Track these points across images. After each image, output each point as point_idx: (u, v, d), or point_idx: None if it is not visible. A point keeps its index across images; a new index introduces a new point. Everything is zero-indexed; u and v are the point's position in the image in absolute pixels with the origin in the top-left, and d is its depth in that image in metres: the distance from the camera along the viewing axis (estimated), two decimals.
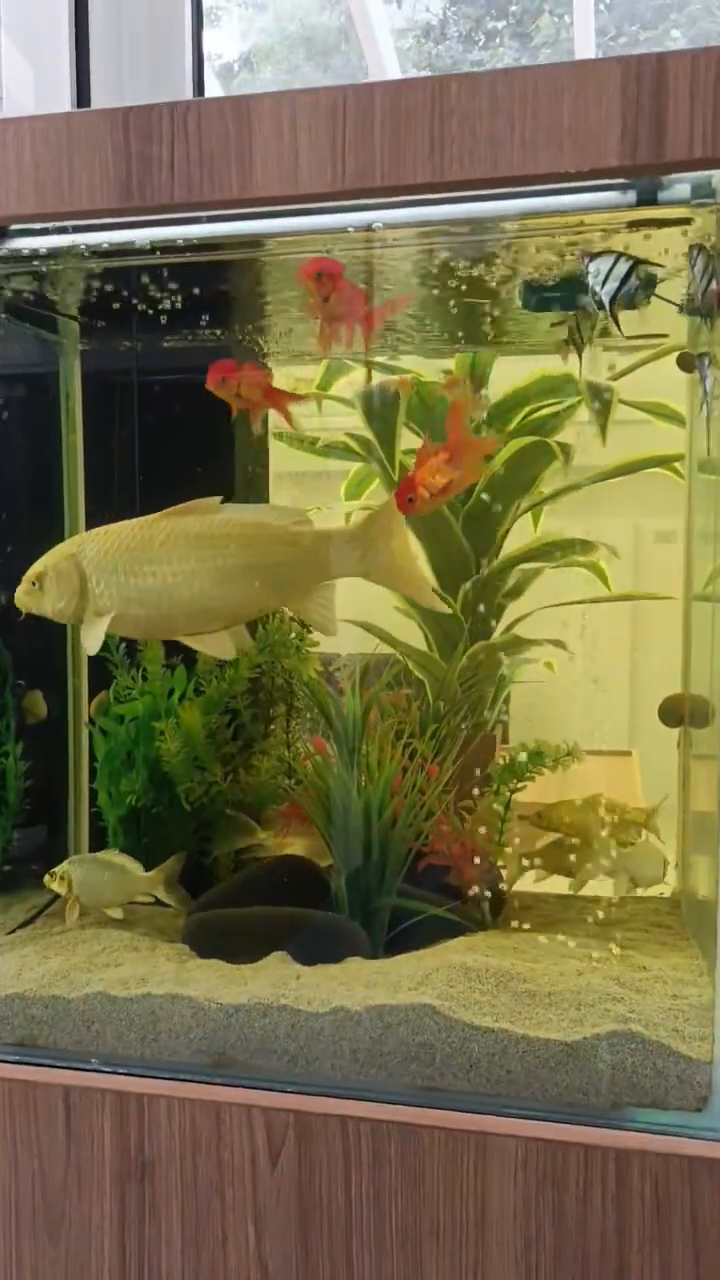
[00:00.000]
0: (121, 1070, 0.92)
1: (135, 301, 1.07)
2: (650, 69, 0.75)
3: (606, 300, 0.85)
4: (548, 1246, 0.82)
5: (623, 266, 0.84)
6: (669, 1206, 0.79)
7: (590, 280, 0.86)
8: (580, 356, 0.95)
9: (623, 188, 0.82)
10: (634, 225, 0.85)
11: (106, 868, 1.10)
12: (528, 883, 1.14)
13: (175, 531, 1.04)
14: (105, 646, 1.20)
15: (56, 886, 1.10)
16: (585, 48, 2.43)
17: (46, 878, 1.10)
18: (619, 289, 0.84)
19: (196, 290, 1.05)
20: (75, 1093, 0.90)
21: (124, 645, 1.20)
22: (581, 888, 1.11)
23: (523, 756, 1.12)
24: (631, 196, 0.82)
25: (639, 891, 1.13)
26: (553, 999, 0.90)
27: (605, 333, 1.17)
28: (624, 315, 1.09)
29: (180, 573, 1.04)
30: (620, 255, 0.85)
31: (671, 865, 1.15)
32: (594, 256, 0.86)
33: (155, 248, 0.94)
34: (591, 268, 0.86)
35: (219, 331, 1.19)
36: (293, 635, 1.20)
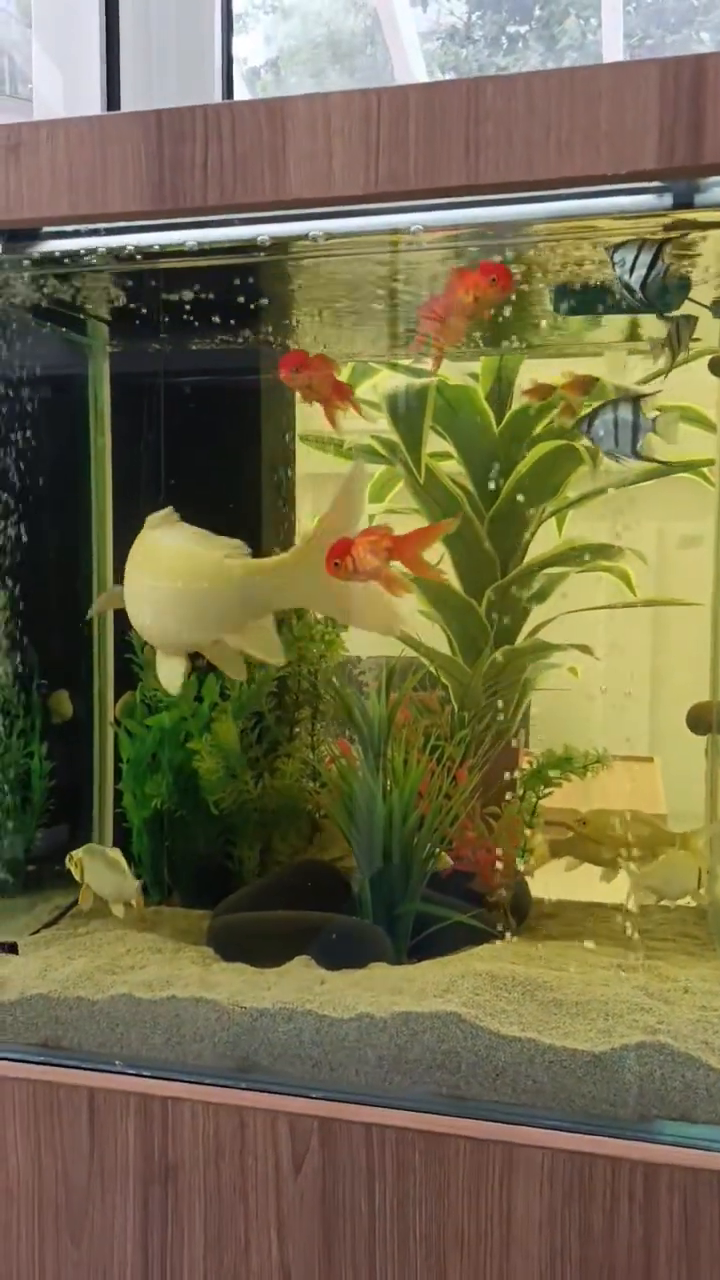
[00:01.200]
0: (146, 1073, 0.92)
1: (164, 304, 1.07)
2: (689, 71, 0.74)
3: (637, 287, 0.83)
4: (573, 1259, 0.81)
5: (648, 252, 0.83)
6: (698, 1221, 0.79)
7: (617, 270, 0.84)
8: (674, 360, 0.92)
9: (659, 191, 0.81)
10: (670, 228, 0.84)
11: (108, 864, 1.11)
12: (554, 889, 1.14)
13: (137, 546, 1.02)
14: (130, 648, 1.20)
15: (73, 869, 1.11)
16: (613, 51, 2.42)
17: (67, 859, 1.12)
18: (648, 274, 0.83)
19: (228, 293, 1.05)
20: (99, 1095, 0.90)
21: (147, 645, 1.20)
22: (613, 878, 1.11)
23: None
24: (668, 199, 0.81)
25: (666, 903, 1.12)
26: (580, 1008, 0.89)
27: (634, 335, 1.17)
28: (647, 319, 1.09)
29: (131, 592, 1.02)
30: (644, 241, 0.83)
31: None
32: (617, 247, 0.84)
33: (186, 250, 0.94)
34: (616, 258, 0.84)
35: (249, 335, 1.19)
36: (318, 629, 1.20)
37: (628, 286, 0.85)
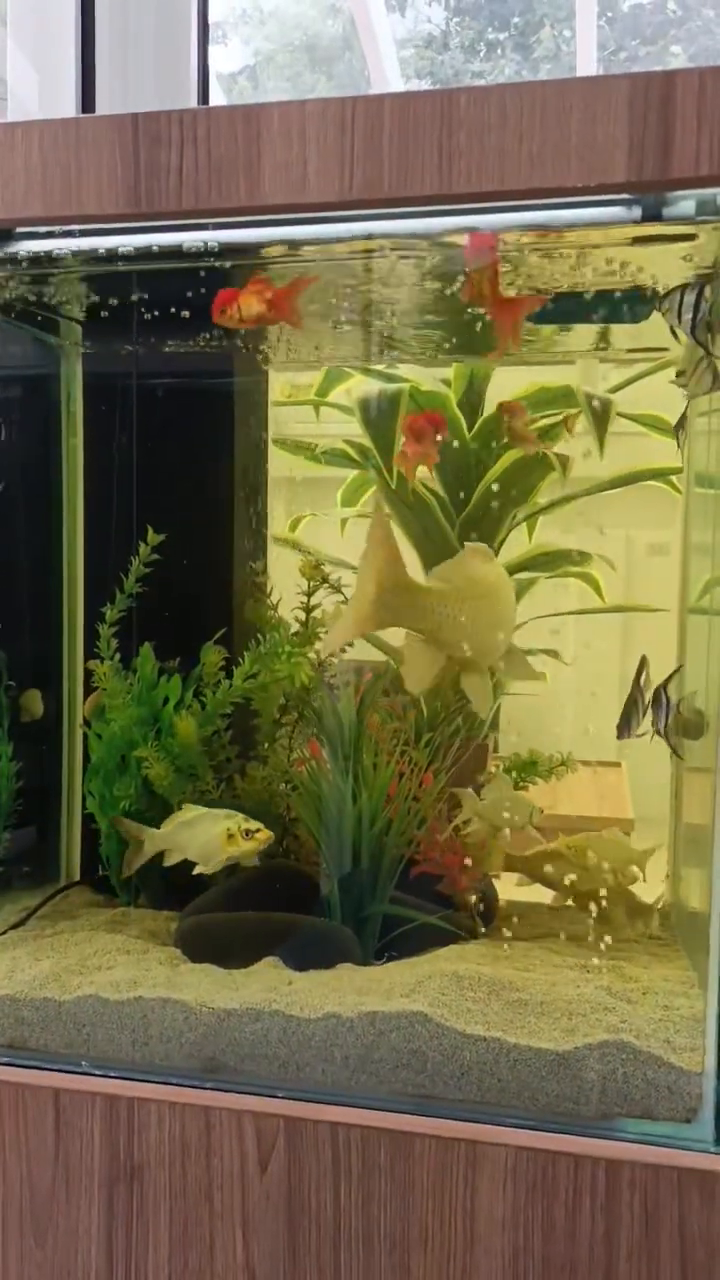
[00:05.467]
0: (112, 1074, 0.92)
1: (137, 306, 1.08)
2: (658, 86, 0.75)
3: (688, 331, 0.88)
4: (536, 1256, 0.82)
5: (691, 295, 0.87)
6: (658, 1217, 0.80)
7: (668, 320, 0.88)
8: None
9: (628, 203, 0.83)
10: (638, 240, 0.86)
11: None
12: (522, 892, 1.15)
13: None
14: (94, 652, 1.20)
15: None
16: (587, 62, 2.45)
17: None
18: (695, 316, 0.87)
19: (202, 296, 1.06)
20: (65, 1095, 0.90)
21: (118, 654, 1.19)
22: (563, 902, 1.12)
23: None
24: (636, 212, 0.83)
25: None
26: (544, 1008, 0.90)
27: (603, 344, 1.19)
28: (622, 329, 1.11)
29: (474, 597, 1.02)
30: (685, 286, 0.87)
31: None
32: (664, 298, 0.88)
33: (161, 252, 0.95)
34: (664, 306, 0.88)
35: (222, 337, 1.19)
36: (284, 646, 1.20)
37: (677, 329, 0.89)
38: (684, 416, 1.07)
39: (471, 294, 0.93)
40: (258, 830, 1.05)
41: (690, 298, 0.86)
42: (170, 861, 1.09)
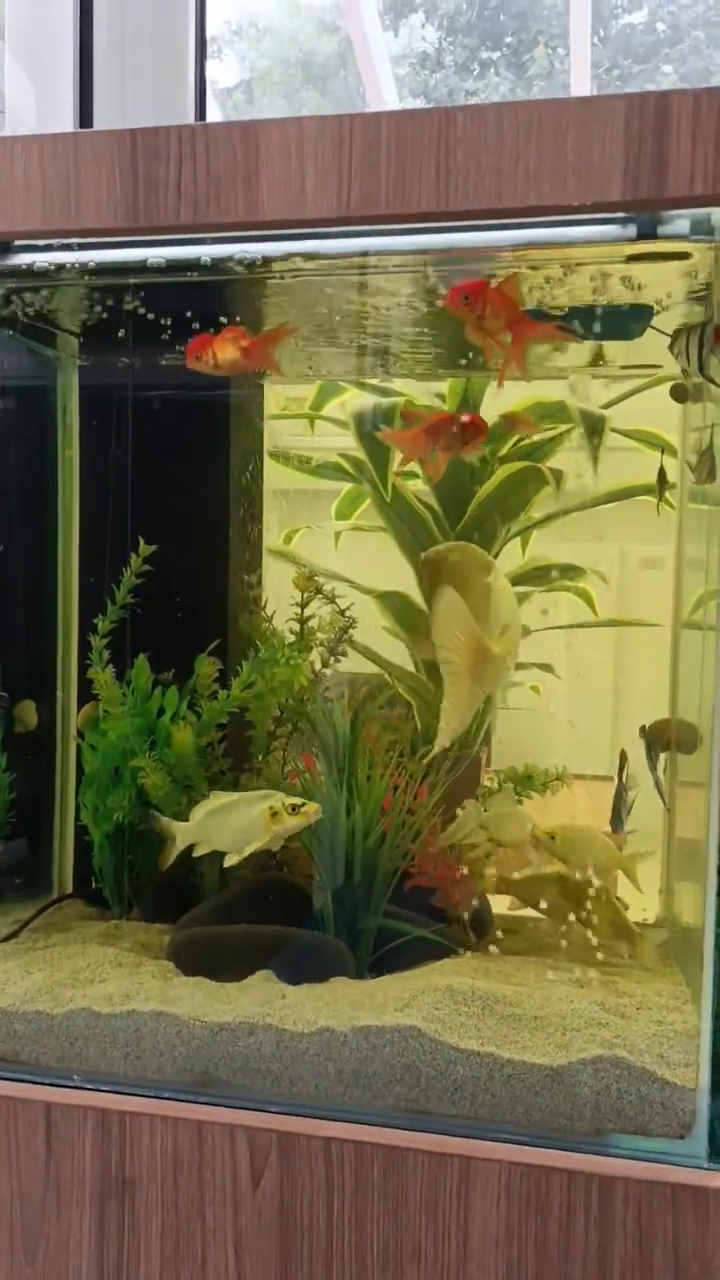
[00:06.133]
0: (104, 1087, 0.92)
1: (134, 319, 1.08)
2: (654, 106, 0.76)
3: (699, 371, 0.91)
4: (529, 1272, 0.82)
5: (694, 337, 0.90)
6: (651, 1233, 0.80)
7: (679, 362, 0.93)
8: None
9: (623, 221, 0.84)
10: (633, 258, 0.87)
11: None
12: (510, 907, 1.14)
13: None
14: (89, 664, 1.20)
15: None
16: (581, 80, 2.47)
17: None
18: (700, 354, 0.90)
19: (197, 310, 1.06)
20: (57, 1109, 0.90)
21: (110, 665, 1.19)
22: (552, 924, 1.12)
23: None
24: (632, 230, 0.84)
25: None
26: (538, 1023, 0.90)
27: (596, 361, 1.20)
28: (614, 345, 1.12)
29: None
30: (691, 327, 0.91)
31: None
32: (672, 343, 0.93)
33: (158, 266, 0.95)
34: (674, 350, 0.92)
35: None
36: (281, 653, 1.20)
37: (689, 370, 0.94)
38: (663, 473, 1.10)
39: (474, 333, 0.94)
40: (304, 805, 0.99)
41: (695, 336, 0.89)
42: (199, 853, 1.05)
